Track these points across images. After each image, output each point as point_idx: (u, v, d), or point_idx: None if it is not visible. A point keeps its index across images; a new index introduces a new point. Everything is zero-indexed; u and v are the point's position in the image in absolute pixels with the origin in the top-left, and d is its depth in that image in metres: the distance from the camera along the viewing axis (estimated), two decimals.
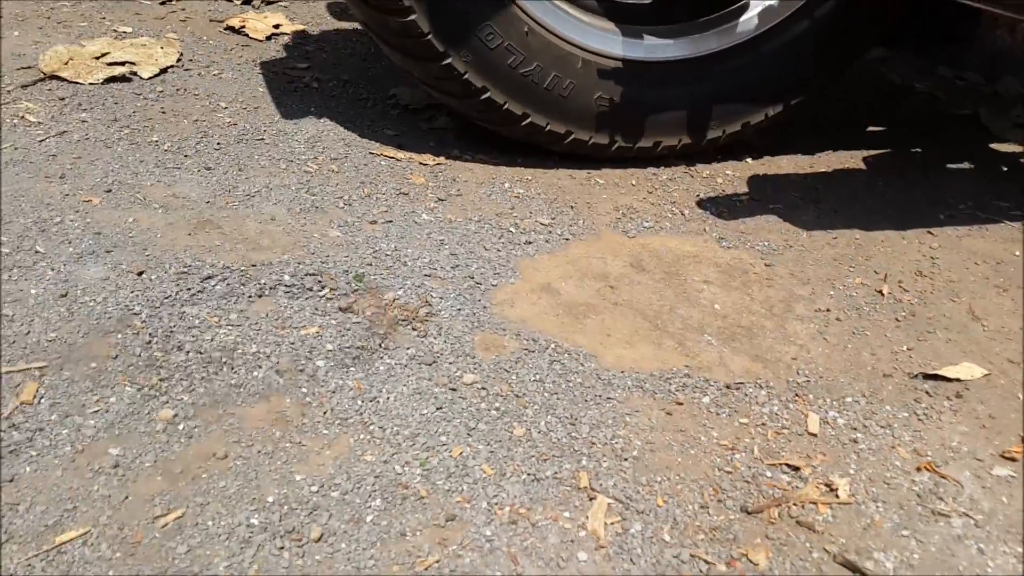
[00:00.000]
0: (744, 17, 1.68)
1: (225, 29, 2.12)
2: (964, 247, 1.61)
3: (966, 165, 1.96)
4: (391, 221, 1.47)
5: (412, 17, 1.46)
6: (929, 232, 1.65)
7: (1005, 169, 1.95)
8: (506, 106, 1.58)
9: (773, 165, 1.83)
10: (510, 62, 1.55)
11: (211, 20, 2.16)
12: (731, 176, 1.75)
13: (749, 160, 1.83)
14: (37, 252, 1.27)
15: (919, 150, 1.99)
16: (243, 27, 2.13)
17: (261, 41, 2.08)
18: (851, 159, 1.89)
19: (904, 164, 1.88)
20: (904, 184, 1.81)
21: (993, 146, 2.08)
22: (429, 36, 1.48)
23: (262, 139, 1.66)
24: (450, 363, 1.17)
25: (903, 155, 1.94)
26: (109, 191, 1.43)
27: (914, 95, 2.24)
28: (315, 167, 1.59)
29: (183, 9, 2.20)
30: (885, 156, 1.93)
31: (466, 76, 1.53)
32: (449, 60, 1.51)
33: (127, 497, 0.94)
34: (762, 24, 1.69)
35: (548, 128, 1.63)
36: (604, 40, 1.62)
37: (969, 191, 1.81)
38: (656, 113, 1.67)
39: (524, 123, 1.61)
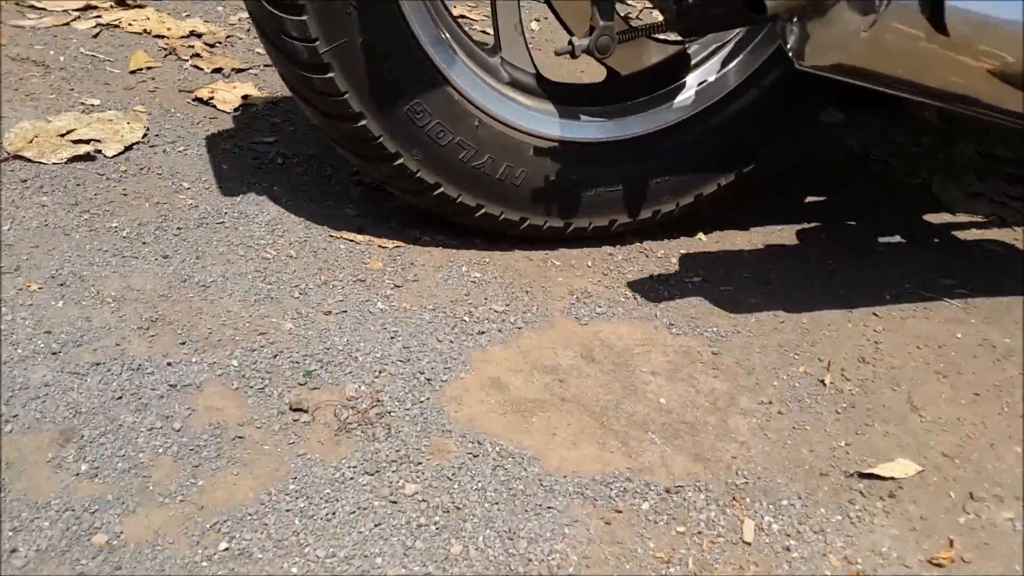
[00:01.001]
0: (680, 97, 1.73)
1: (193, 100, 2.15)
2: (908, 330, 1.65)
3: (918, 238, 2.01)
4: (346, 311, 1.50)
5: (363, 123, 1.50)
6: (875, 314, 1.69)
7: (953, 242, 2.00)
8: (460, 199, 1.61)
9: (727, 241, 1.87)
10: (461, 156, 1.58)
11: (180, 90, 2.19)
12: (684, 256, 1.79)
13: (703, 237, 1.87)
14: None
15: (872, 222, 2.03)
16: (212, 98, 2.16)
17: (229, 113, 2.11)
18: (803, 235, 1.93)
19: (856, 239, 1.92)
20: (854, 261, 1.85)
21: (944, 217, 2.13)
22: (380, 139, 1.52)
23: (222, 222, 1.68)
24: (393, 471, 1.20)
25: (855, 229, 1.99)
26: (63, 284, 1.45)
27: (872, 162, 2.29)
28: (273, 252, 1.62)
29: (152, 79, 2.23)
30: (838, 229, 1.98)
31: (418, 174, 1.57)
32: (401, 160, 1.55)
33: None
34: (703, 100, 1.73)
35: (503, 217, 1.66)
36: (549, 125, 1.65)
37: (916, 268, 1.85)
38: (610, 191, 1.71)
39: (479, 214, 1.65)
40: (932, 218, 2.12)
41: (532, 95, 1.68)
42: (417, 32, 1.50)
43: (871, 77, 1.36)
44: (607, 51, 1.53)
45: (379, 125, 1.51)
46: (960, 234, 2.06)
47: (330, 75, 1.46)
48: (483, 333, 1.50)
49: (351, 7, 1.42)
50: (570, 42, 1.55)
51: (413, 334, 1.47)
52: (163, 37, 2.47)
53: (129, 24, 2.53)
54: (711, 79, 1.74)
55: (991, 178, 2.29)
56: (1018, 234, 2.09)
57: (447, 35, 1.56)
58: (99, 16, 2.55)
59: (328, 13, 1.41)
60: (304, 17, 1.41)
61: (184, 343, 1.37)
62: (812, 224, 1.97)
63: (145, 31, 2.52)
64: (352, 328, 1.47)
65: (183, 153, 1.91)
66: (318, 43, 1.43)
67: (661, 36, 1.67)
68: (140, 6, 2.65)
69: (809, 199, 2.08)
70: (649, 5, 2.71)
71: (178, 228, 1.65)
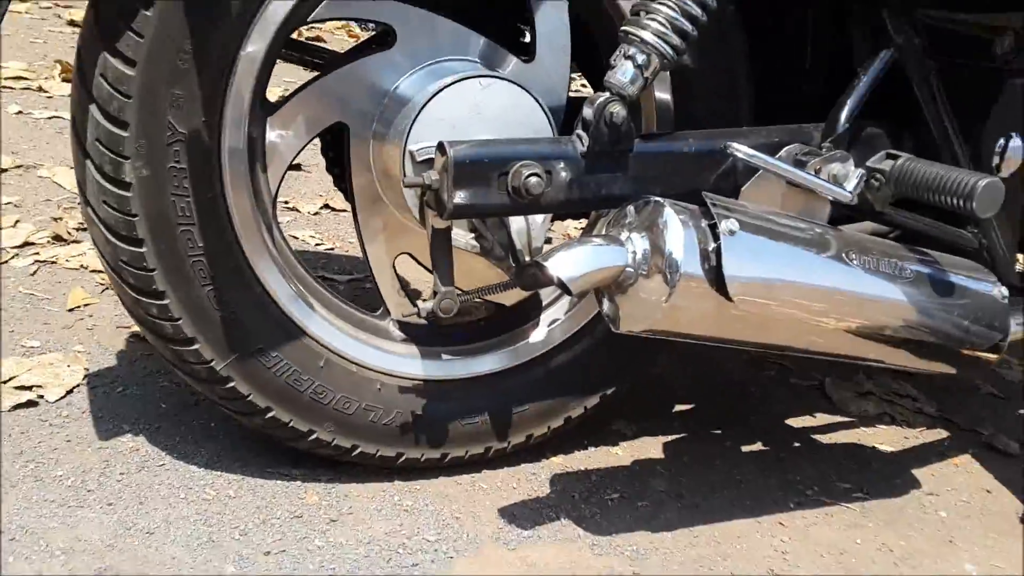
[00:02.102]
0: (533, 335, 1.89)
1: (131, 337, 2.25)
2: (811, 537, 1.79)
3: (817, 441, 2.18)
4: (284, 550, 1.58)
5: (231, 384, 1.64)
6: (780, 523, 1.83)
7: (849, 444, 2.18)
8: (335, 442, 1.75)
9: (641, 453, 2.01)
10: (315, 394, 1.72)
11: (117, 327, 2.30)
12: (602, 472, 1.92)
13: (619, 452, 2.01)
14: None
15: (773, 427, 2.20)
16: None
17: None
18: (712, 443, 2.08)
19: (762, 447, 2.08)
20: (758, 469, 2.00)
21: (838, 418, 2.32)
22: (250, 396, 1.66)
23: (163, 464, 1.76)
24: None
25: (758, 434, 2.15)
26: (13, 539, 1.51)
27: (767, 365, 2.50)
28: (213, 493, 1.70)
29: (90, 315, 2.34)
30: (743, 435, 2.14)
31: (291, 424, 1.70)
32: (272, 413, 1.68)
33: None
34: (556, 336, 1.89)
35: (379, 454, 1.78)
36: (412, 365, 1.80)
37: (816, 473, 2.01)
38: (482, 421, 1.84)
39: (355, 452, 1.77)
40: (828, 419, 2.31)
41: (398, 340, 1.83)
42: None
43: (682, 336, 1.56)
44: (450, 312, 1.65)
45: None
46: (854, 435, 2.25)
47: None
48: (416, 565, 1.59)
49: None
50: (415, 304, 1.71)
51: (350, 571, 1.55)
52: (100, 272, 2.59)
53: (66, 260, 2.66)
54: (561, 317, 1.92)
55: (879, 376, 2.51)
56: (907, 432, 2.28)
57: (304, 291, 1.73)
58: (37, 253, 2.68)
59: None
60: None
61: None
62: (726, 429, 2.13)
63: (82, 266, 2.64)
64: (292, 568, 1.54)
65: (123, 394, 2.00)
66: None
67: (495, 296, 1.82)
68: (76, 241, 2.78)
69: (721, 408, 2.25)
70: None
71: (120, 474, 1.73)
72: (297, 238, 3.07)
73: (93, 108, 1.49)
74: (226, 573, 1.51)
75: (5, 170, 3.30)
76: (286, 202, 3.36)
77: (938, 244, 1.82)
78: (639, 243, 1.50)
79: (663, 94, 1.81)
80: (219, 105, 1.54)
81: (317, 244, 3.06)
